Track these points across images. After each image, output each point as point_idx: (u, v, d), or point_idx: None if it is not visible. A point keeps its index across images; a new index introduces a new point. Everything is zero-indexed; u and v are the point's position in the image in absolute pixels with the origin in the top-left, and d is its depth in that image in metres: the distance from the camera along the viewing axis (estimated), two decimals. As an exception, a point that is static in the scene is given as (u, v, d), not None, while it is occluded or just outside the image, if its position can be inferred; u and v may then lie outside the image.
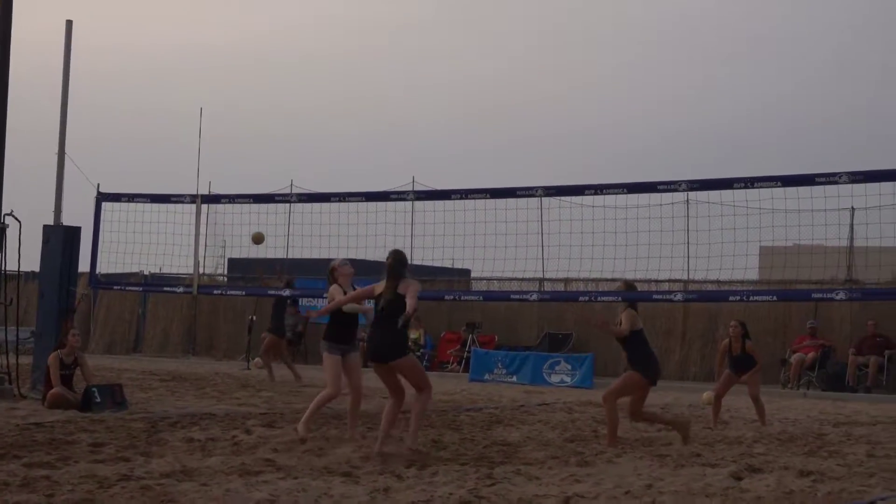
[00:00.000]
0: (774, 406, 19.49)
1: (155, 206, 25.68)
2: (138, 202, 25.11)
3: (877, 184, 19.66)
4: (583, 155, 66.80)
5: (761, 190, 19.84)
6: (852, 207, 23.73)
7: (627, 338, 13.40)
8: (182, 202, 24.24)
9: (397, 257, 11.92)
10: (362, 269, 31.09)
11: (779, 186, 19.86)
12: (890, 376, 23.48)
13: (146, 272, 31.15)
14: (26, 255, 17.73)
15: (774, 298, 21.66)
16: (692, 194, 24.27)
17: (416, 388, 11.75)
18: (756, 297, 21.65)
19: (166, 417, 14.36)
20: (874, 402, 20.73)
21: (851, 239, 25.27)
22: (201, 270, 26.93)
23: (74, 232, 18.18)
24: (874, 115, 71.74)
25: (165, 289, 29.48)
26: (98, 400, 15.04)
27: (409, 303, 11.34)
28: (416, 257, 27.94)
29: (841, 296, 19.92)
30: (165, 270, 29.50)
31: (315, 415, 13.02)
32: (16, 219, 17.22)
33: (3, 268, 17.31)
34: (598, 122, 73.76)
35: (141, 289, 30.95)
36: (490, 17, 75.26)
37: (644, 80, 74.06)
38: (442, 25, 75.78)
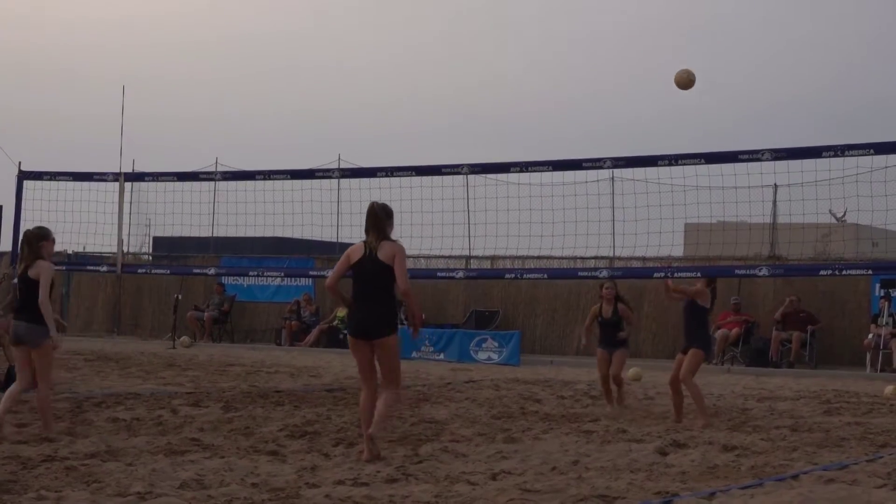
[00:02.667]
0: (700, 382, 19.61)
1: (78, 184, 25.46)
2: (61, 180, 24.88)
3: (799, 161, 19.88)
4: (509, 134, 66.79)
5: (685, 167, 20.02)
6: (775, 184, 23.98)
7: (695, 312, 13.63)
8: (105, 180, 24.05)
9: (383, 208, 10.39)
10: (288, 247, 31.11)
11: (702, 164, 20.05)
12: (813, 351, 23.78)
13: (69, 251, 30.87)
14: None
15: (698, 274, 21.70)
16: (617, 172, 24.42)
17: (385, 378, 10.19)
18: (680, 274, 21.82)
19: (91, 397, 14.23)
20: (797, 378, 20.99)
21: (774, 215, 25.52)
22: (125, 249, 26.73)
23: (-4, 210, 17.96)
24: (799, 92, 72.42)
25: (89, 268, 29.28)
26: (21, 380, 14.86)
27: (401, 282, 10.03)
28: (344, 235, 27.92)
29: (764, 272, 20.19)
30: (89, 249, 29.29)
31: None
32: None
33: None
34: (527, 102, 73.87)
35: (64, 268, 30.62)
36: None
37: (569, 59, 74.23)
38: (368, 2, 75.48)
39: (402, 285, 10.02)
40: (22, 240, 10.93)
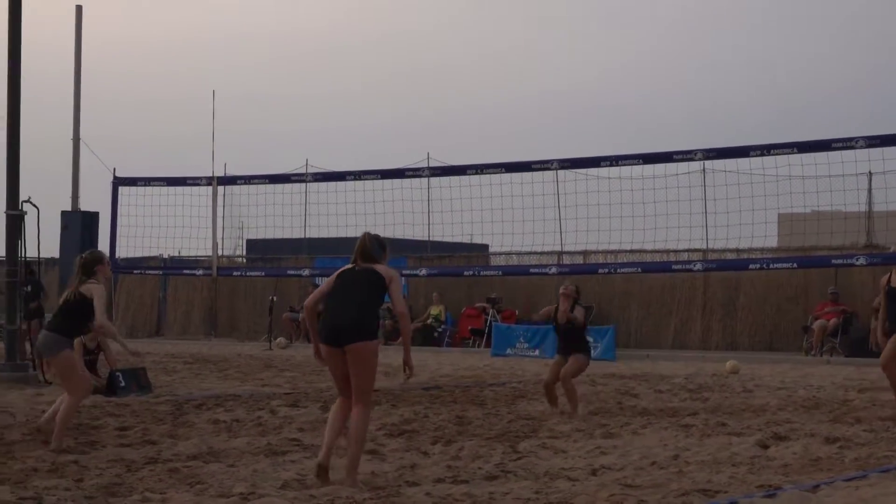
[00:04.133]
0: (798, 373, 19.47)
1: (171, 189, 25.77)
2: (154, 186, 25.18)
3: (894, 147, 19.60)
4: (598, 128, 66.58)
5: (777, 157, 19.83)
6: (870, 172, 23.65)
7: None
8: (198, 185, 24.32)
9: (375, 239, 9.31)
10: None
11: (795, 153, 19.85)
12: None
13: (165, 255, 31.24)
14: (45, 242, 17.78)
15: (795, 265, 21.64)
16: (708, 163, 24.25)
17: (356, 392, 8.73)
18: (776, 265, 21.62)
19: (191, 400, 14.39)
20: None
21: (870, 203, 25.16)
22: (220, 252, 27.01)
23: (92, 217, 18.27)
24: (891, 80, 71.42)
25: (185, 272, 29.60)
26: (123, 384, 15.08)
27: (398, 305, 9.09)
28: (435, 233, 28.00)
29: (861, 261, 19.92)
30: (184, 253, 29.62)
31: None
32: (34, 205, 17.29)
33: (22, 255, 17.38)
34: (615, 96, 73.60)
35: (161, 272, 31.02)
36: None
37: (658, 53, 73.82)
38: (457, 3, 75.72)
39: (399, 307, 9.10)
40: (77, 262, 10.95)
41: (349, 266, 9.06)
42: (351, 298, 8.83)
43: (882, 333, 13.00)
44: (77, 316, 10.63)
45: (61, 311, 10.73)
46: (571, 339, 13.89)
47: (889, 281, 12.91)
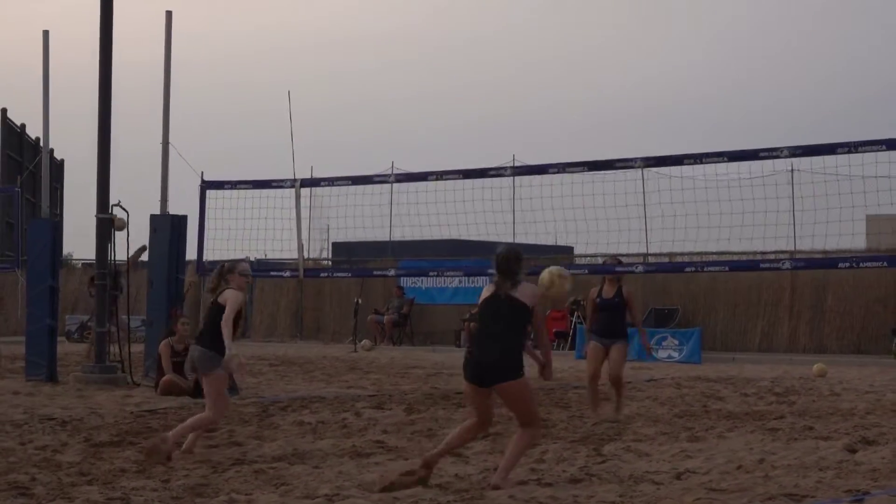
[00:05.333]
0: (887, 377, 19.22)
1: (257, 191, 25.92)
2: (241, 189, 25.37)
3: None
4: (681, 127, 66.17)
5: (865, 155, 19.53)
6: (962, 168, 23.23)
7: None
8: (283, 187, 24.44)
9: (511, 252, 8.94)
10: (464, 248, 31.30)
11: (883, 150, 19.53)
12: None
13: (252, 258, 31.46)
14: (135, 245, 18.01)
15: (884, 264, 21.30)
16: (795, 162, 23.96)
17: (521, 422, 8.77)
18: (865, 264, 21.33)
19: (277, 401, 14.51)
20: None
21: (962, 201, 24.73)
22: (305, 254, 27.17)
23: (181, 220, 18.42)
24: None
25: (272, 273, 29.77)
26: (209, 386, 15.21)
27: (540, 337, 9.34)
28: (519, 235, 27.93)
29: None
30: (270, 256, 29.81)
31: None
32: (123, 209, 17.54)
33: (112, 258, 17.64)
34: (691, 93, 73.09)
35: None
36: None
37: (737, 49, 73.17)
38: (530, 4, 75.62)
39: (541, 339, 9.39)
40: (216, 270, 11.08)
41: (491, 292, 8.83)
42: (494, 333, 8.70)
43: None
44: (219, 326, 10.61)
45: (207, 325, 10.87)
46: (618, 321, 13.43)
47: None
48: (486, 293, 8.91)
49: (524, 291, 8.76)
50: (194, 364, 10.70)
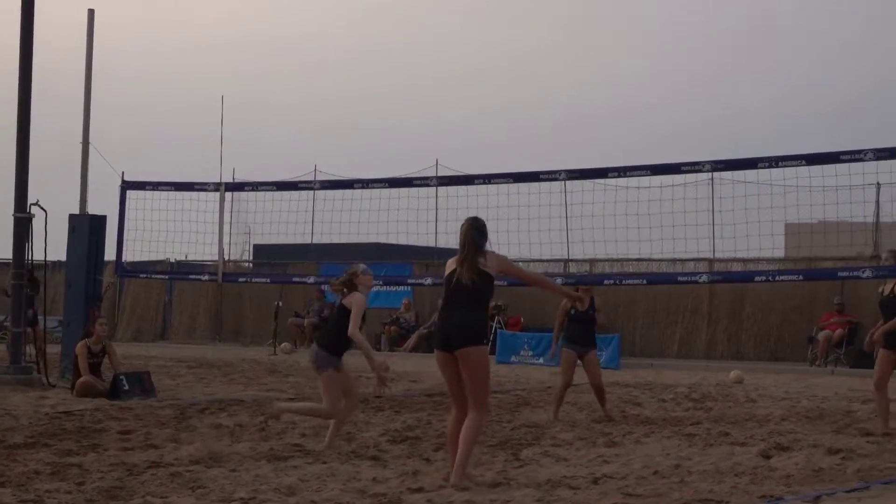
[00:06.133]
0: (802, 384, 19.46)
1: (179, 193, 25.73)
2: (163, 190, 25.16)
3: (903, 159, 19.52)
4: (605, 140, 66.50)
5: (786, 169, 19.75)
6: (878, 183, 23.61)
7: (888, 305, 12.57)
8: (206, 190, 24.27)
9: (476, 224, 9.28)
10: (386, 252, 31.27)
11: (803, 165, 19.76)
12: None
13: (172, 260, 31.25)
14: (53, 245, 17.82)
15: (801, 278, 21.58)
16: (716, 174, 24.20)
17: (472, 398, 8.89)
18: (782, 277, 21.58)
19: (195, 404, 14.41)
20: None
21: (877, 215, 25.15)
22: (226, 257, 27.03)
23: (100, 221, 18.27)
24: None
25: (191, 276, 29.61)
26: (126, 388, 15.10)
27: (527, 276, 10.11)
28: (441, 242, 28.02)
29: (867, 273, 19.79)
30: (191, 258, 29.62)
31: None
32: (41, 208, 17.34)
33: (29, 258, 17.43)
34: (619, 108, 73.56)
35: (167, 276, 31.05)
36: (509, 4, 75.06)
37: (668, 64, 73.74)
38: (463, 11, 75.75)
39: (528, 277, 9.97)
40: (346, 273, 11.21)
41: (454, 268, 9.13)
42: (460, 303, 8.98)
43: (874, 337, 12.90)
44: (344, 330, 10.81)
45: (329, 326, 11.20)
46: (591, 330, 14.19)
47: (884, 292, 12.85)
48: (452, 265, 9.20)
49: (489, 263, 9.08)
50: (311, 362, 11.12)
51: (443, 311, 9.18)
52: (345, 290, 11.04)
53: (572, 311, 14.00)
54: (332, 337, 10.97)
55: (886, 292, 12.63)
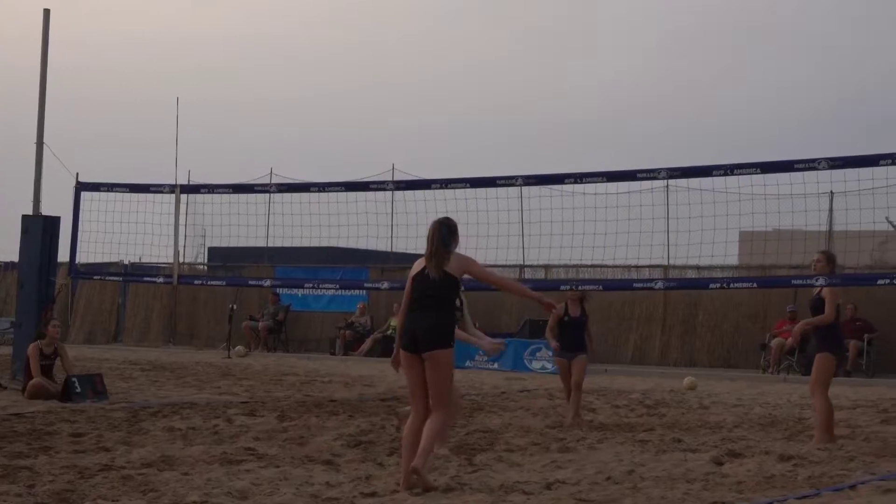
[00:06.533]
0: (755, 391, 19.57)
1: (134, 195, 25.60)
2: (118, 192, 25.04)
3: (855, 169, 19.70)
4: (561, 146, 66.73)
5: (740, 177, 19.86)
6: (831, 192, 23.78)
7: (818, 309, 12.47)
8: (161, 192, 24.16)
9: (443, 226, 9.26)
10: (342, 257, 31.24)
11: (758, 173, 19.87)
12: (870, 360, 23.57)
13: (126, 262, 31.09)
14: (5, 246, 17.67)
15: (754, 285, 21.71)
16: (671, 182, 24.34)
17: (432, 399, 9.02)
18: (736, 285, 21.71)
19: (147, 407, 14.34)
20: (854, 386, 20.79)
21: (831, 223, 25.33)
22: (181, 260, 26.91)
23: (53, 222, 18.15)
24: (855, 102, 71.92)
25: (145, 279, 29.42)
26: (78, 390, 14.99)
27: (491, 277, 9.59)
28: (398, 246, 28.01)
29: (821, 281, 19.92)
30: (145, 260, 29.47)
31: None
32: (-6, 209, 17.19)
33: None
34: (581, 114, 73.82)
35: (121, 279, 30.88)
36: (469, 11, 75.19)
37: (627, 72, 74.02)
38: (421, 17, 75.78)
39: (492, 278, 9.56)
40: None
41: (423, 266, 9.15)
42: (427, 305, 9.03)
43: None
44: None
45: None
46: (582, 336, 14.29)
47: (815, 291, 12.84)
48: (417, 267, 9.23)
49: (452, 264, 9.08)
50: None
51: (409, 313, 9.13)
52: None
53: (566, 318, 14.27)
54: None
55: (816, 292, 12.64)
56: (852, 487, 8.96)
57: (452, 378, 9.18)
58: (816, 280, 13.69)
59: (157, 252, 27.21)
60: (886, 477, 9.51)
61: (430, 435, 8.87)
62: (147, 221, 26.55)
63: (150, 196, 25.51)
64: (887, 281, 20.71)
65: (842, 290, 22.09)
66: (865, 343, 23.53)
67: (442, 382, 9.00)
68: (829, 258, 13.50)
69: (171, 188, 23.53)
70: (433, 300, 9.04)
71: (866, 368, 23.50)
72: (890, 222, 27.26)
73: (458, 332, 10.33)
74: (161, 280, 27.02)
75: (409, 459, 8.84)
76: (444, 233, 9.18)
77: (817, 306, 12.44)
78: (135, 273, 30.96)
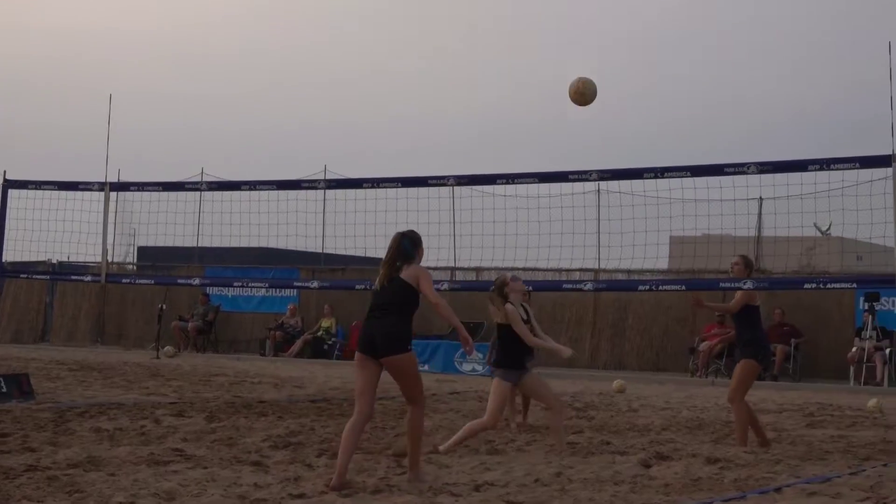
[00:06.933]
0: (683, 394, 19.70)
1: (63, 193, 25.41)
2: (45, 189, 24.82)
3: (784, 174, 19.91)
4: (493, 146, 66.98)
5: (671, 180, 20.01)
6: (760, 197, 24.04)
7: (740, 315, 12.38)
8: (91, 190, 23.99)
9: (406, 237, 9.78)
10: (273, 257, 31.11)
11: (688, 176, 20.04)
12: (796, 364, 23.81)
13: (54, 260, 30.80)
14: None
15: (683, 288, 21.86)
16: (603, 184, 24.49)
17: (408, 398, 9.45)
18: (665, 287, 21.87)
19: (74, 407, 14.19)
20: (781, 390, 21.00)
21: (759, 229, 25.59)
22: (110, 259, 26.69)
23: (-21, 220, 17.90)
24: (786, 105, 72.74)
25: (73, 277, 29.19)
26: (4, 390, 14.81)
27: (441, 307, 9.53)
28: (329, 246, 27.95)
29: (749, 285, 20.09)
30: (73, 259, 29.23)
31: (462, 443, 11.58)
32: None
33: None
34: (510, 117, 74.06)
35: (48, 277, 30.58)
36: (403, 15, 75.27)
37: (558, 75, 74.41)
38: (352, 17, 75.71)
39: (432, 298, 9.53)
40: (494, 286, 11.62)
41: (378, 284, 9.56)
42: (384, 310, 9.36)
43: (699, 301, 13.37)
44: (513, 341, 11.37)
45: (500, 341, 11.53)
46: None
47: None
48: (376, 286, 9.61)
49: (408, 272, 9.46)
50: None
51: (369, 316, 9.43)
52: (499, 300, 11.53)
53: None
54: (507, 350, 11.49)
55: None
56: (778, 490, 9.04)
57: (419, 376, 9.56)
58: (744, 283, 13.82)
59: (86, 251, 27.04)
60: (811, 480, 9.61)
61: (416, 438, 9.37)
62: (76, 220, 26.37)
63: (78, 194, 25.33)
64: (814, 285, 21.03)
65: (763, 292, 22.41)
66: (792, 347, 23.76)
67: (410, 384, 9.40)
68: (747, 263, 13.63)
69: (101, 186, 23.34)
70: (390, 306, 9.33)
71: (793, 373, 23.73)
72: (818, 228, 27.63)
73: (532, 339, 11.38)
74: (89, 279, 26.82)
75: (345, 458, 8.97)
76: (405, 244, 9.63)
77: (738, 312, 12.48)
78: (63, 272, 30.69)
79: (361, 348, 9.34)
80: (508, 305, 11.40)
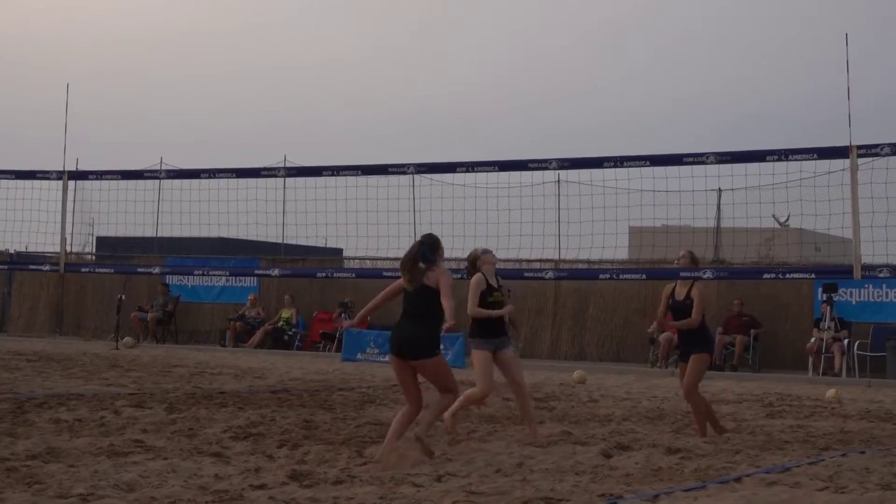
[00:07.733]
0: (643, 384, 19.77)
1: (20, 182, 25.27)
2: (2, 178, 24.66)
3: (743, 165, 20.02)
4: (455, 137, 67.03)
5: (630, 169, 20.09)
6: (719, 189, 24.13)
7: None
8: (49, 178, 23.86)
9: (425, 239, 10.49)
10: (233, 247, 31.03)
11: (648, 166, 20.12)
12: (756, 355, 23.93)
13: (11, 250, 30.60)
14: None
15: (644, 277, 21.96)
16: (562, 174, 24.53)
17: (442, 389, 10.35)
18: (625, 276, 21.94)
19: (33, 398, 14.10)
20: (740, 381, 21.12)
21: (718, 219, 25.70)
22: (69, 248, 26.55)
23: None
24: (742, 95, 73.07)
25: (31, 267, 29.04)
26: (-39, 380, 14.72)
27: (446, 307, 10.02)
28: (289, 235, 27.89)
29: (708, 275, 20.23)
30: (31, 248, 29.06)
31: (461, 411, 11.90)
32: None
33: None
34: (473, 106, 74.13)
35: (6, 267, 30.40)
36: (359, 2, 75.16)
37: (519, 65, 74.50)
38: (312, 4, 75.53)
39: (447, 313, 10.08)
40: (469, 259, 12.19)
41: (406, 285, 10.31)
42: (411, 315, 10.23)
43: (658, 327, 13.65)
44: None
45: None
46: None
47: (676, 295, 12.78)
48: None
49: (431, 276, 10.11)
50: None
51: (399, 320, 10.32)
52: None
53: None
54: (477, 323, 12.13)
55: (681, 297, 12.58)
56: (737, 480, 9.08)
57: (448, 373, 10.35)
58: (704, 273, 13.88)
59: (44, 240, 26.92)
60: (770, 470, 9.66)
61: (436, 411, 10.27)
62: (33, 209, 26.24)
63: (36, 182, 25.19)
64: (773, 276, 21.16)
65: (711, 296, 22.48)
66: (752, 338, 23.88)
67: (440, 382, 10.26)
68: (694, 258, 13.72)
69: (59, 175, 23.22)
70: (416, 313, 10.16)
71: (752, 363, 23.85)
72: (776, 219, 27.77)
73: (475, 311, 12.07)
74: (48, 268, 26.69)
75: (393, 441, 9.83)
76: (425, 250, 10.24)
77: (683, 309, 12.44)
78: (20, 261, 30.50)
79: (393, 351, 10.18)
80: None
